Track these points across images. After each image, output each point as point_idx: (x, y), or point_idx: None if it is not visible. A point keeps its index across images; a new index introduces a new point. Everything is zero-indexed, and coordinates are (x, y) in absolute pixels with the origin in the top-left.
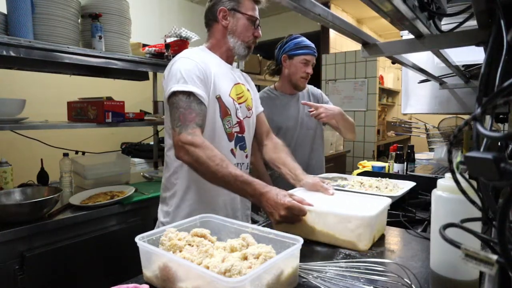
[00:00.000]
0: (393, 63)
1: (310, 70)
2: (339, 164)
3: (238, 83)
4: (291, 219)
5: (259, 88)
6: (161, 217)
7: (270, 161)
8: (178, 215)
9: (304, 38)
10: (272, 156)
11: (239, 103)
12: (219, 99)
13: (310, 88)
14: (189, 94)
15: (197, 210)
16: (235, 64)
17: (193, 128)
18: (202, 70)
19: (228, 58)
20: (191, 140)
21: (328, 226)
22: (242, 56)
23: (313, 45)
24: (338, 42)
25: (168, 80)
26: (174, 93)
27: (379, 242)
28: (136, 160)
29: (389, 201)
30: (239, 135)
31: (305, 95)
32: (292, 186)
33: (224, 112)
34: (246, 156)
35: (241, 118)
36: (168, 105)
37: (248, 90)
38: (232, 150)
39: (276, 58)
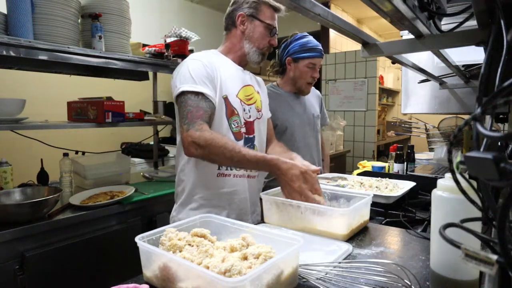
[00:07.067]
0: (393, 63)
1: (316, 74)
2: (339, 164)
3: (248, 85)
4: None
5: None
6: (173, 211)
7: None
8: (184, 211)
9: (310, 38)
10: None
11: (248, 104)
12: (225, 99)
13: (313, 90)
14: (198, 93)
15: (204, 207)
16: None
17: (200, 124)
18: (210, 71)
19: (241, 62)
20: (200, 135)
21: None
22: (255, 63)
23: (320, 46)
24: (338, 42)
25: (177, 80)
26: (183, 93)
27: (379, 242)
28: (136, 160)
29: (371, 195)
30: (247, 136)
31: (311, 95)
32: None
33: (231, 112)
34: None
35: (250, 120)
36: (177, 105)
37: (258, 92)
38: None
39: (279, 58)
